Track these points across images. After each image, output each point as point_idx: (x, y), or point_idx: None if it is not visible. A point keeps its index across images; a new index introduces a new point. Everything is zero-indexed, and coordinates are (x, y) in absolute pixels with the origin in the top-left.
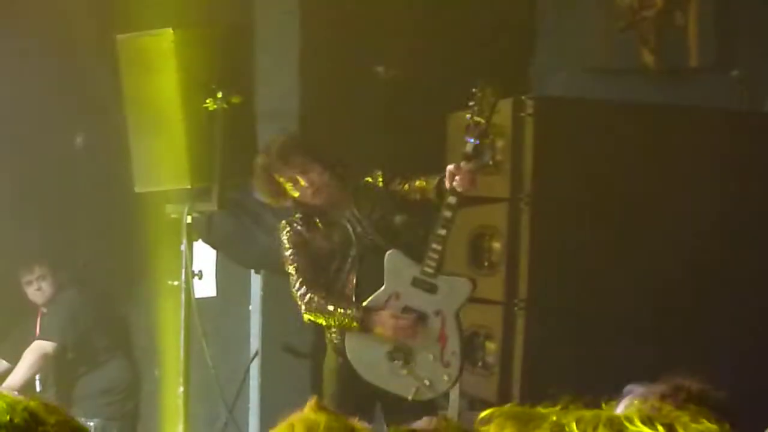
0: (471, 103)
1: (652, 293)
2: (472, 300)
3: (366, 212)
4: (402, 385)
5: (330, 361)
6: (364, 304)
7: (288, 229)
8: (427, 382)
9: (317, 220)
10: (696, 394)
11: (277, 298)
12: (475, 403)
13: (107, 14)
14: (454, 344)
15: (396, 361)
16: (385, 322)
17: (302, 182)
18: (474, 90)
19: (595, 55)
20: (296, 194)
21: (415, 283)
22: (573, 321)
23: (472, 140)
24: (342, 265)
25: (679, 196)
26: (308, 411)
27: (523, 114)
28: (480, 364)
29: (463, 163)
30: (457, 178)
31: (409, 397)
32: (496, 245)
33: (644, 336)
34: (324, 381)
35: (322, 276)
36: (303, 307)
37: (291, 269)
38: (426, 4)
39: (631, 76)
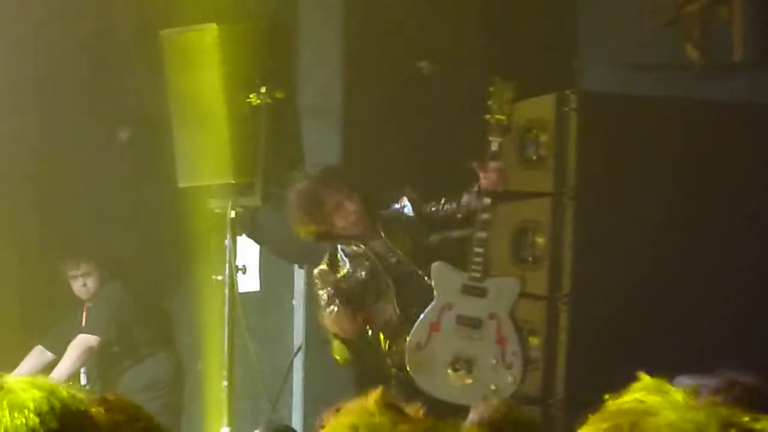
0: (489, 102)
1: (696, 286)
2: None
3: (398, 241)
4: (469, 394)
5: (395, 389)
6: (419, 320)
7: (321, 281)
8: (493, 387)
9: (341, 259)
10: (750, 388)
11: None
12: (519, 398)
13: (151, 10)
14: (513, 345)
15: (459, 371)
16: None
17: (349, 207)
18: (491, 89)
19: (638, 50)
20: (336, 222)
21: (465, 290)
22: (616, 315)
23: (497, 139)
24: (378, 295)
25: (724, 191)
26: (372, 406)
27: (566, 108)
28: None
29: (490, 163)
30: (483, 176)
31: None
32: (540, 240)
33: (689, 329)
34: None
35: (360, 313)
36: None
37: (330, 321)
38: None
39: (675, 72)
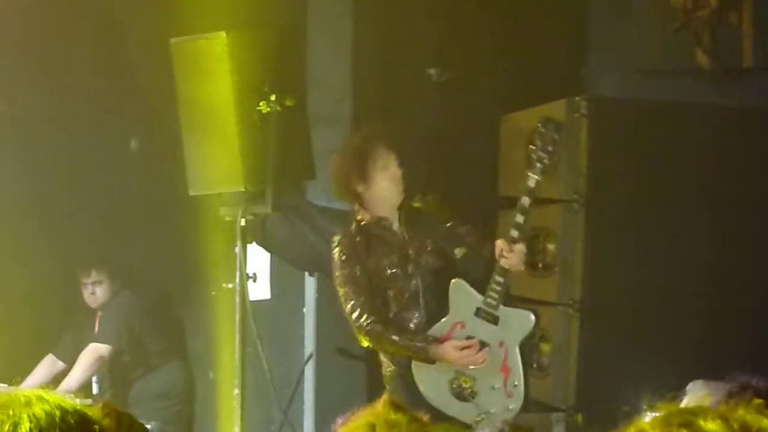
0: (536, 138)
1: (708, 293)
2: (527, 301)
3: (416, 240)
4: (464, 411)
5: (393, 393)
6: (429, 332)
7: (341, 245)
8: (488, 409)
9: (371, 239)
10: (763, 392)
11: (331, 300)
12: (530, 405)
13: (161, 18)
14: (516, 376)
15: (458, 388)
16: (449, 353)
17: (395, 171)
18: (539, 123)
19: (648, 55)
20: (378, 181)
21: (478, 313)
22: (627, 322)
23: (535, 176)
24: (401, 290)
25: (735, 196)
26: (384, 409)
27: (577, 114)
28: (535, 365)
29: (515, 245)
30: (505, 255)
31: (471, 424)
32: (551, 246)
33: (700, 336)
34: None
35: (379, 301)
36: (363, 336)
37: (343, 292)
38: (479, 5)
39: (685, 77)
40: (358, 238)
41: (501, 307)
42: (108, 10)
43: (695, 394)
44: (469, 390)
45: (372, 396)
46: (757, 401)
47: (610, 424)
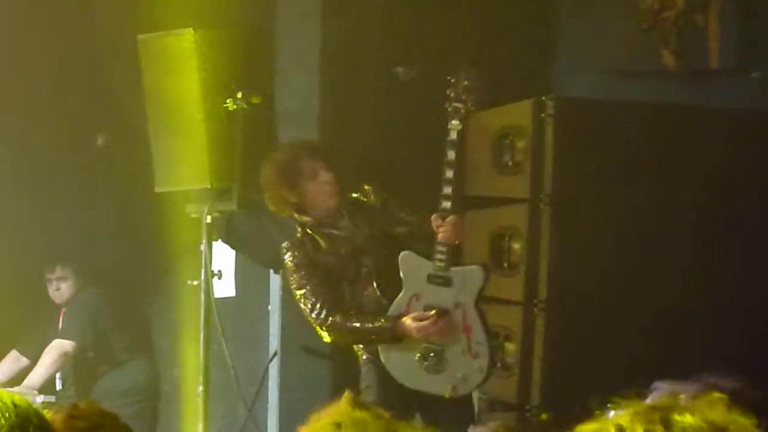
0: (447, 91)
1: (674, 294)
2: (492, 300)
3: (363, 228)
4: (438, 384)
5: (367, 378)
6: (388, 312)
7: (291, 251)
8: (459, 375)
9: (318, 237)
10: (731, 393)
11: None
12: (495, 404)
13: (128, 14)
14: (478, 333)
15: (428, 362)
16: (408, 327)
17: (325, 176)
18: (449, 77)
19: (615, 56)
20: (310, 191)
21: (430, 279)
22: (593, 322)
23: (456, 124)
24: (356, 278)
25: (700, 197)
26: (347, 407)
27: (543, 115)
28: (499, 364)
29: (448, 217)
30: (441, 230)
31: (446, 395)
32: (516, 246)
33: (665, 337)
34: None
35: (335, 294)
36: (325, 331)
37: (301, 294)
38: (446, 4)
39: (652, 78)
40: (305, 240)
41: (451, 268)
42: (75, 6)
43: (660, 394)
44: (438, 361)
45: (337, 394)
46: (719, 395)
47: (575, 424)
